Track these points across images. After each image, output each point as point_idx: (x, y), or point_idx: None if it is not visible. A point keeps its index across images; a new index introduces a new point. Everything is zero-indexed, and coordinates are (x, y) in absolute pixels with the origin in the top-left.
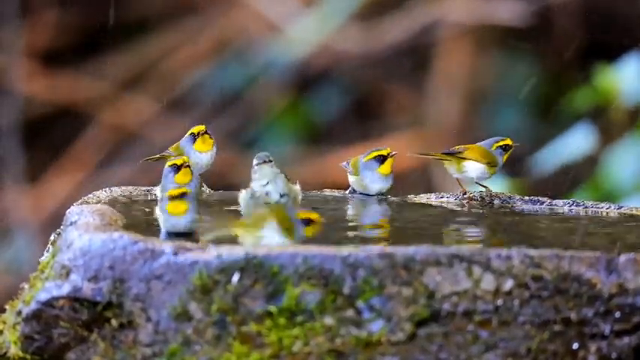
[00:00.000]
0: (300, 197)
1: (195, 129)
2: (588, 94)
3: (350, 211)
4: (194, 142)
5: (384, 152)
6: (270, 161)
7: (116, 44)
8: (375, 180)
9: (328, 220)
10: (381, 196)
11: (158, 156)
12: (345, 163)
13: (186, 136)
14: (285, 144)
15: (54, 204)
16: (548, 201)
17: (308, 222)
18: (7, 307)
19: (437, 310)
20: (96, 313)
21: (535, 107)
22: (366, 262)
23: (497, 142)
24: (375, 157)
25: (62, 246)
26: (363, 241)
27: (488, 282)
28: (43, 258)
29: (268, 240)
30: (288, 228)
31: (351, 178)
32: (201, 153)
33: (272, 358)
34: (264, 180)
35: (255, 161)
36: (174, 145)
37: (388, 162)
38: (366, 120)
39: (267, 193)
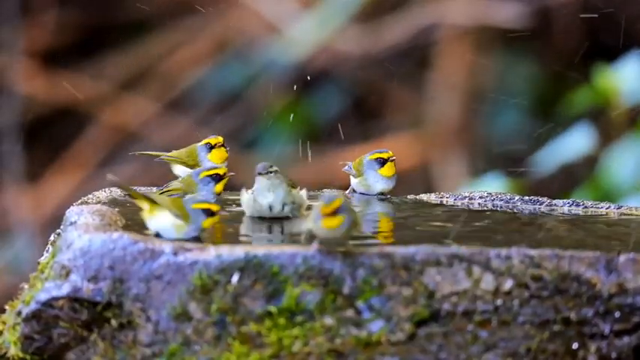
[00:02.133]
0: (305, 204)
1: (213, 140)
2: (588, 94)
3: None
4: (209, 152)
5: (384, 155)
6: (270, 172)
7: (116, 44)
8: (378, 180)
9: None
10: (382, 196)
11: (154, 153)
12: (346, 167)
13: (202, 143)
14: (285, 144)
15: (54, 204)
16: (548, 201)
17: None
18: (7, 307)
19: (437, 310)
20: (96, 314)
21: (535, 107)
22: (366, 262)
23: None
24: (376, 159)
25: (62, 246)
26: (363, 241)
27: (487, 282)
28: (42, 258)
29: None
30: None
31: (354, 180)
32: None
33: (272, 358)
34: (264, 192)
35: (255, 172)
36: (189, 148)
37: (388, 165)
38: (366, 120)
39: (270, 207)
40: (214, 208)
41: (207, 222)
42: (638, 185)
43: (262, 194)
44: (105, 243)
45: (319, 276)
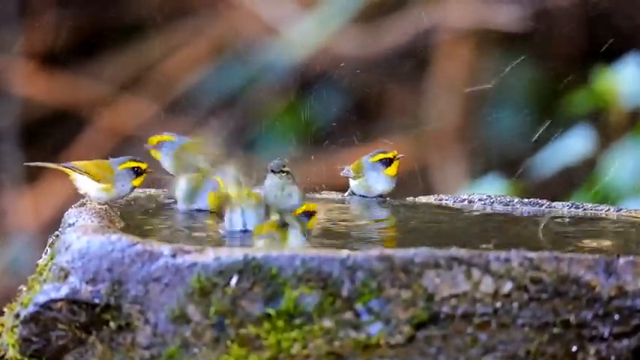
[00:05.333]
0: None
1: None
2: (587, 97)
3: (351, 213)
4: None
5: (390, 155)
6: (282, 172)
7: (115, 46)
8: (380, 181)
9: (329, 221)
10: (381, 199)
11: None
12: (345, 170)
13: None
14: (285, 146)
15: (52, 206)
16: (547, 203)
17: (310, 214)
18: (5, 309)
19: (436, 312)
20: (94, 316)
21: (534, 109)
22: (365, 265)
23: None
24: (381, 160)
25: (60, 248)
26: (362, 243)
27: (487, 284)
28: (41, 260)
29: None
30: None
31: (353, 182)
32: None
33: None
34: (274, 190)
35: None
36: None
37: (394, 164)
38: (366, 122)
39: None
40: (143, 165)
41: (138, 181)
42: (637, 187)
43: (271, 193)
44: (103, 245)
45: (318, 278)
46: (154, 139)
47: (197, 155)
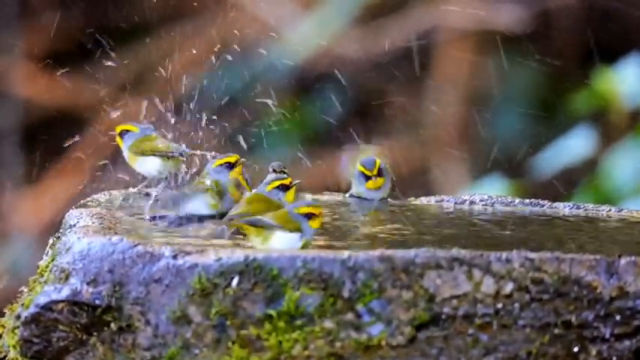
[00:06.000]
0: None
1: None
2: (588, 97)
3: (351, 214)
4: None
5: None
6: (283, 172)
7: (115, 47)
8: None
9: (329, 222)
10: (382, 199)
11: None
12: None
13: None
14: (285, 147)
15: (53, 207)
16: (549, 204)
17: (310, 216)
18: (6, 310)
19: (437, 313)
20: (95, 317)
21: (535, 110)
22: (366, 266)
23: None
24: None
25: (61, 249)
26: (362, 244)
27: (488, 285)
28: (42, 261)
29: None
30: (294, 227)
31: (354, 183)
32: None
33: None
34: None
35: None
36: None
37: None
38: (367, 123)
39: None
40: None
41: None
42: (638, 187)
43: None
44: (104, 246)
45: (319, 279)
46: (119, 127)
47: (151, 149)
